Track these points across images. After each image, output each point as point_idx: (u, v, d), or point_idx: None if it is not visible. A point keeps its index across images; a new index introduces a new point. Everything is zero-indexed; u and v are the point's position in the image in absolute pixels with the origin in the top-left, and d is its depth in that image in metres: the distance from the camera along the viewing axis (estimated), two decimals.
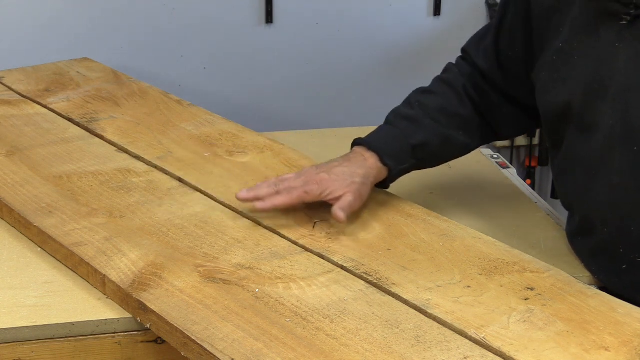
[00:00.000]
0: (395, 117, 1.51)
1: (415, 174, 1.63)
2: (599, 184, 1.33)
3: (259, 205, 1.40)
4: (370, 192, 1.45)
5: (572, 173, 1.39)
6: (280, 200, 1.40)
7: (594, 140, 1.32)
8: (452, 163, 1.78)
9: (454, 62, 1.59)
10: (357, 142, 1.49)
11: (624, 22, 1.27)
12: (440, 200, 1.65)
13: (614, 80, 1.28)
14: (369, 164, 1.44)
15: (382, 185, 1.49)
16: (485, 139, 1.58)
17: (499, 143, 2.92)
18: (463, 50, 1.58)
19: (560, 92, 1.36)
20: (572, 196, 1.42)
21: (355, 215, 1.44)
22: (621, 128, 1.28)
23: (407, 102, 1.54)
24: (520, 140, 2.93)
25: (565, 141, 1.39)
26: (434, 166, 1.57)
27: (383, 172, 1.46)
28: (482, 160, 1.86)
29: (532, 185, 2.94)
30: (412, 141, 1.48)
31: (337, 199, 1.39)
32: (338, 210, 1.36)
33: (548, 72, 1.38)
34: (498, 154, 1.93)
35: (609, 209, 1.33)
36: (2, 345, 1.21)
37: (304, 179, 1.42)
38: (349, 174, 1.42)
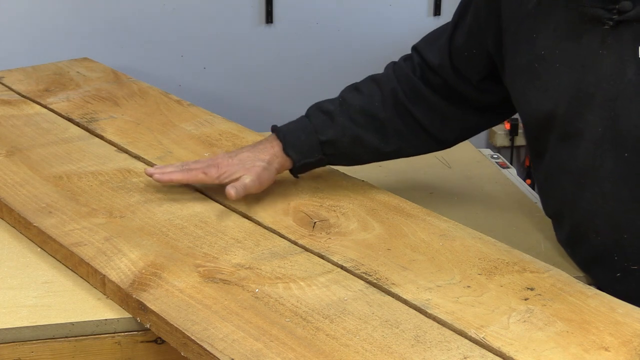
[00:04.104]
0: (314, 111, 1.53)
1: (415, 174, 1.64)
2: (589, 192, 1.32)
3: (156, 176, 1.46)
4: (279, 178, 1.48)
5: (558, 182, 1.38)
6: (177, 176, 1.47)
7: (582, 148, 1.30)
8: (452, 163, 1.79)
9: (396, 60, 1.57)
10: (272, 129, 1.52)
11: (607, 27, 1.25)
12: (440, 200, 1.64)
13: (599, 88, 1.27)
14: (274, 151, 1.48)
15: (292, 173, 1.53)
16: (413, 147, 1.54)
17: (499, 143, 2.92)
18: (413, 48, 1.56)
19: (542, 100, 1.34)
20: (559, 205, 1.40)
21: (355, 215, 1.44)
22: (611, 135, 1.27)
23: (336, 97, 1.54)
24: (520, 140, 2.93)
25: (549, 150, 1.37)
26: (349, 165, 1.58)
27: (287, 162, 1.49)
28: (482, 160, 1.85)
29: (532, 185, 2.94)
30: (322, 137, 1.49)
31: (235, 180, 1.43)
32: (230, 188, 1.41)
33: (527, 79, 1.36)
34: (498, 154, 1.93)
35: (601, 218, 1.31)
36: (2, 345, 1.21)
37: (208, 162, 1.48)
38: (252, 158, 1.46)
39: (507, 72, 1.41)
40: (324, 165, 1.54)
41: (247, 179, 1.43)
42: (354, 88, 1.54)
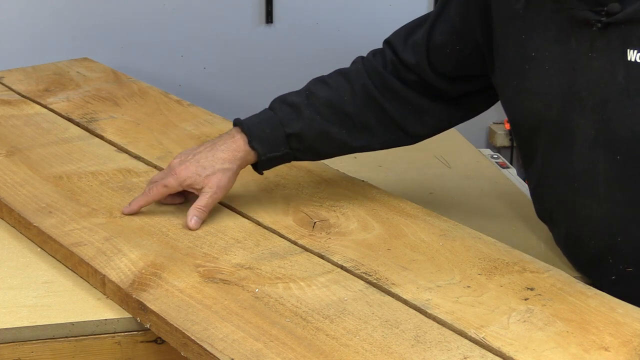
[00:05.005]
0: (279, 103, 1.48)
1: (415, 174, 1.63)
2: (583, 196, 1.31)
3: (125, 210, 1.43)
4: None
5: (551, 186, 1.37)
6: (141, 201, 1.43)
7: (576, 152, 1.30)
8: (452, 163, 1.78)
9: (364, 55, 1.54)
10: (235, 122, 1.47)
11: (595, 29, 1.25)
12: (440, 200, 1.64)
13: (590, 91, 1.27)
14: (236, 146, 1.43)
15: (256, 169, 1.48)
16: (382, 142, 1.50)
17: (499, 143, 2.92)
18: (387, 42, 1.52)
19: (534, 102, 1.33)
20: (553, 209, 1.40)
21: (355, 215, 1.44)
22: (603, 139, 1.27)
23: (301, 89, 1.50)
24: None
25: (540, 153, 1.37)
26: (315, 159, 1.54)
27: (251, 156, 1.44)
28: (482, 160, 1.85)
29: None
30: (288, 130, 1.44)
31: (198, 191, 1.41)
32: (189, 220, 1.39)
33: (518, 80, 1.35)
34: (498, 154, 1.93)
35: (596, 222, 1.31)
36: (2, 345, 1.21)
37: (165, 171, 1.45)
38: (211, 160, 1.41)
39: (496, 72, 1.40)
40: (289, 160, 1.49)
41: (204, 198, 1.40)
42: (321, 81, 1.51)
